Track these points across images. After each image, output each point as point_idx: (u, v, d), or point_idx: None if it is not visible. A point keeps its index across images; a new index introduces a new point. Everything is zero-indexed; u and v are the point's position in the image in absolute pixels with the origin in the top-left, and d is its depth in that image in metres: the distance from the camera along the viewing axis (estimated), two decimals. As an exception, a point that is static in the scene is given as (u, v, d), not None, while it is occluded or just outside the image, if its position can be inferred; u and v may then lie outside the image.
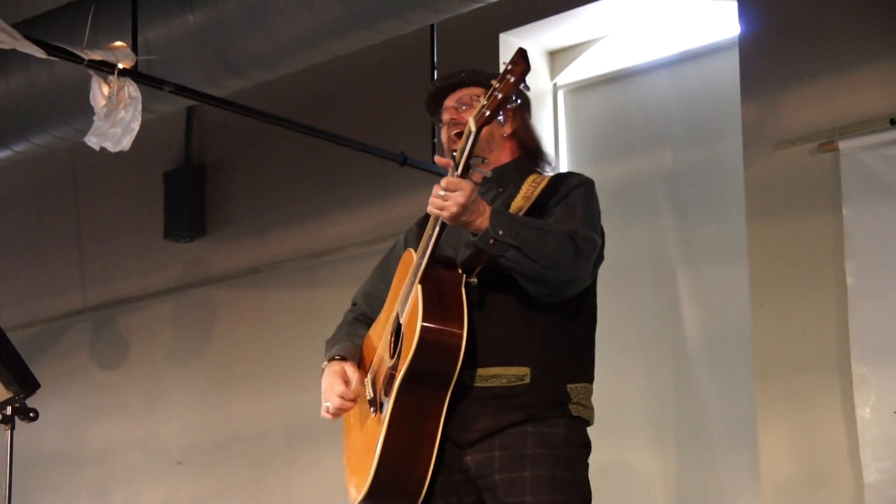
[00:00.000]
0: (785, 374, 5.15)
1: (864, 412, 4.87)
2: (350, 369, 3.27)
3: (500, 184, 3.25)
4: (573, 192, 3.17)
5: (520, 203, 3.16)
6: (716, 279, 5.74)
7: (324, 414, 3.28)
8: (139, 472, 7.48)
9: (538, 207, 3.14)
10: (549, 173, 3.30)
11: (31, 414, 4.29)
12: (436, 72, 5.90)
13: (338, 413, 3.26)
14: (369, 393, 3.19)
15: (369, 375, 3.23)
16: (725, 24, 5.76)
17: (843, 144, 5.07)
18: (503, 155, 3.29)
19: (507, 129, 3.28)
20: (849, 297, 4.97)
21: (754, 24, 5.43)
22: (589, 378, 3.25)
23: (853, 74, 5.17)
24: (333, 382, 3.25)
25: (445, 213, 2.95)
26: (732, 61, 5.54)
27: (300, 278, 6.92)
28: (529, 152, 3.32)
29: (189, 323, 7.44)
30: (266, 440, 6.90)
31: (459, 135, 3.12)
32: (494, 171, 3.20)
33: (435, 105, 3.38)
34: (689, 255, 5.83)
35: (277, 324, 6.99)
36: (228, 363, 7.19)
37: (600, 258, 3.20)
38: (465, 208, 2.94)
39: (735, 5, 5.51)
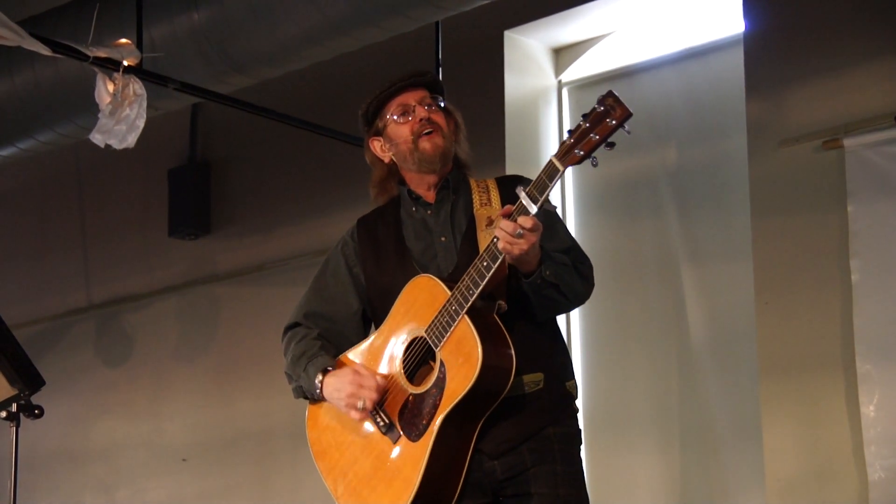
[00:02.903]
0: (789, 371, 5.15)
1: (868, 410, 4.87)
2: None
3: (455, 191, 3.29)
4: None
5: (486, 212, 3.18)
6: (720, 276, 5.74)
7: (355, 414, 3.17)
8: (144, 469, 7.49)
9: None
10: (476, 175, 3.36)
11: (35, 411, 4.28)
12: (440, 69, 5.90)
13: (370, 407, 3.17)
14: (381, 418, 3.17)
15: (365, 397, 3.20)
16: (730, 22, 5.75)
17: (847, 142, 5.07)
18: (449, 164, 3.31)
19: (453, 140, 3.32)
20: (853, 294, 4.97)
21: (759, 22, 5.43)
22: (574, 375, 3.32)
23: (858, 72, 5.16)
24: (361, 378, 3.17)
25: (515, 250, 2.95)
26: (737, 59, 5.54)
27: (305, 275, 6.86)
28: (462, 159, 3.36)
29: (194, 320, 7.44)
30: (271, 437, 6.91)
31: (430, 133, 3.22)
32: (449, 177, 3.29)
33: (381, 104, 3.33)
34: (693, 252, 5.83)
35: (282, 321, 6.95)
36: (233, 360, 7.20)
37: None
38: (534, 248, 2.97)
39: (740, 3, 5.51)
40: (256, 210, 7.25)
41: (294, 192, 7.06)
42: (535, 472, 3.09)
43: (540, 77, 6.38)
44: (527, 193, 2.93)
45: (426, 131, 3.24)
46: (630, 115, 2.83)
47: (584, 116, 2.88)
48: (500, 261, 2.98)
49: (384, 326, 3.23)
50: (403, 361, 3.16)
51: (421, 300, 3.14)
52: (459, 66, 6.05)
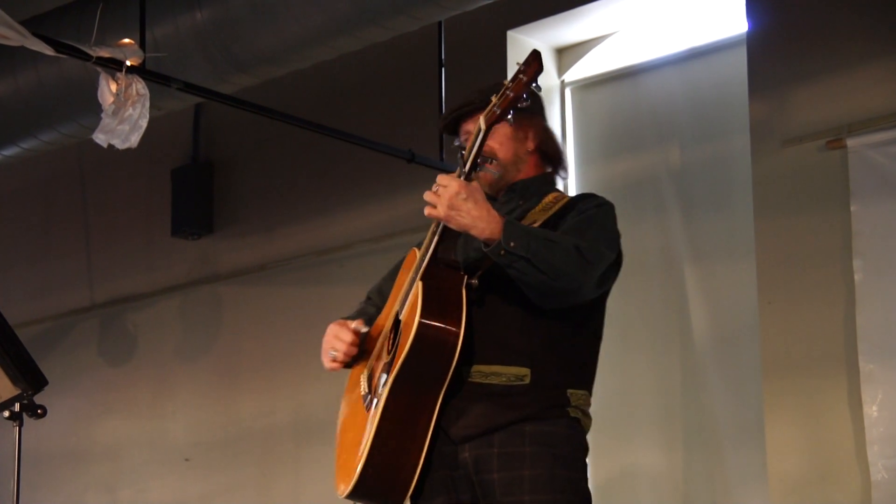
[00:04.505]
0: (792, 371, 5.15)
1: (871, 410, 4.86)
2: (355, 323, 3.24)
3: (524, 196, 3.24)
4: (590, 210, 3.16)
5: (536, 215, 3.16)
6: (723, 276, 5.73)
7: (328, 364, 3.24)
8: (147, 468, 7.49)
9: (554, 220, 3.14)
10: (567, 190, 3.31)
11: (38, 411, 4.28)
12: (443, 69, 5.90)
13: (341, 360, 3.21)
14: (364, 388, 3.17)
15: (366, 371, 3.21)
16: (733, 22, 5.75)
17: (850, 142, 5.07)
18: (529, 170, 3.27)
19: (531, 145, 3.28)
20: (856, 294, 4.97)
21: (762, 22, 5.43)
22: (589, 387, 3.20)
23: (861, 72, 5.16)
24: (337, 330, 3.23)
25: (435, 212, 2.96)
26: (740, 58, 5.54)
27: (308, 275, 6.93)
28: (554, 166, 3.32)
29: (197, 320, 7.45)
30: (274, 437, 6.91)
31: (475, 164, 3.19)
32: (520, 183, 3.24)
33: (454, 126, 3.33)
34: (696, 252, 5.82)
35: (285, 321, 6.99)
36: (236, 360, 7.20)
37: (610, 275, 3.17)
38: (453, 207, 2.94)
39: (743, 2, 5.51)
40: (259, 210, 7.25)
41: (297, 191, 7.06)
42: (500, 477, 3.02)
43: (542, 77, 6.34)
44: (460, 154, 2.99)
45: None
46: (540, 70, 2.95)
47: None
48: (440, 226, 3.00)
49: (388, 300, 3.27)
50: (391, 331, 3.15)
51: (406, 272, 3.19)
52: (462, 65, 6.05)
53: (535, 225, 3.10)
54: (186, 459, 7.30)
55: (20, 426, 4.26)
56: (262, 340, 7.08)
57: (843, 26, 5.23)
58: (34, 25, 5.07)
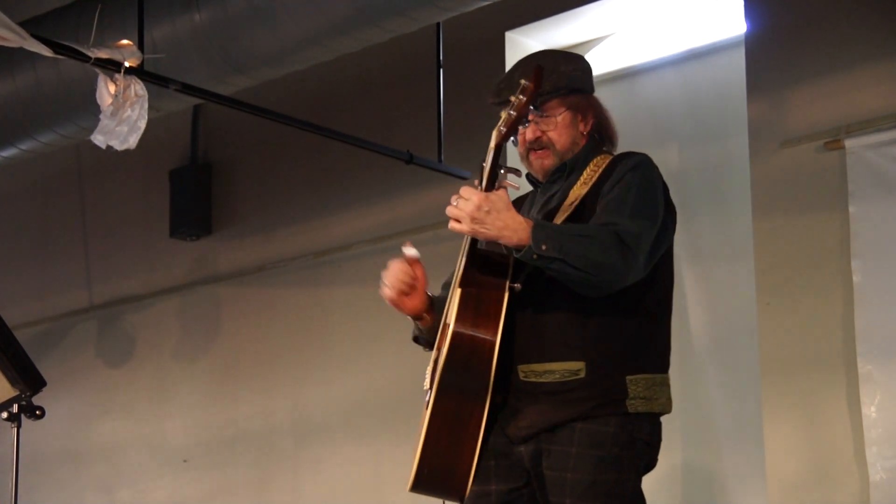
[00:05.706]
0: (791, 372, 5.15)
1: (869, 411, 4.86)
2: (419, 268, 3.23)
3: (569, 174, 3.21)
4: (626, 176, 3.11)
5: (577, 191, 3.13)
6: (722, 277, 5.73)
7: (382, 292, 3.22)
8: (145, 469, 7.49)
9: (594, 193, 3.11)
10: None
11: (37, 412, 4.27)
12: (441, 71, 5.90)
13: (395, 289, 3.18)
14: (427, 383, 3.15)
15: (429, 368, 3.19)
16: (731, 23, 5.75)
17: (849, 143, 5.07)
18: (578, 147, 3.25)
19: (585, 129, 3.26)
20: (855, 295, 4.97)
21: (760, 23, 5.43)
22: (653, 368, 3.11)
23: (859, 73, 5.16)
24: (392, 264, 3.21)
25: (459, 227, 2.94)
26: (738, 59, 5.54)
27: (306, 276, 6.93)
28: (603, 139, 3.29)
29: (195, 321, 7.44)
30: (272, 438, 6.91)
31: (535, 149, 3.19)
32: (569, 161, 3.20)
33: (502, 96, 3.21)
34: (695, 253, 5.82)
35: (283, 322, 6.99)
36: (234, 361, 7.20)
37: (662, 243, 3.11)
38: (476, 221, 2.92)
39: (741, 3, 5.51)
40: (257, 211, 7.25)
41: (295, 192, 7.06)
42: (549, 475, 3.02)
43: (541, 78, 6.36)
44: (481, 165, 2.99)
45: (535, 148, 3.22)
46: (538, 89, 2.93)
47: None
48: (469, 238, 3.00)
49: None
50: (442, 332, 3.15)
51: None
52: (460, 67, 6.05)
53: (576, 203, 3.08)
54: (185, 460, 7.30)
55: (18, 427, 4.25)
56: (261, 341, 7.08)
57: (841, 27, 5.23)
58: (33, 26, 5.06)
